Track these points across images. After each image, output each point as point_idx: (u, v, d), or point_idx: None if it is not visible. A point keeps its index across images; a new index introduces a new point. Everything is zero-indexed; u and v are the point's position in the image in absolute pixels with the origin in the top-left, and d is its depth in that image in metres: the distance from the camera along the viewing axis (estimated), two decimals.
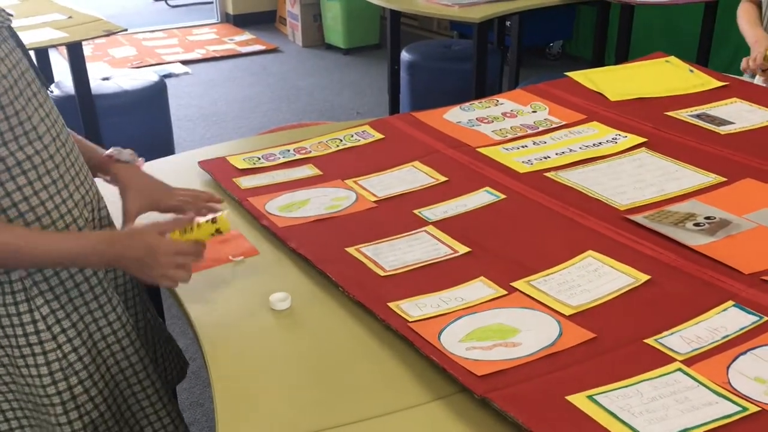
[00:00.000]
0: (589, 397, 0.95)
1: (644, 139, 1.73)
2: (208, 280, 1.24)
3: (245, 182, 1.59)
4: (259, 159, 1.71)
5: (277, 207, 1.48)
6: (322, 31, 6.21)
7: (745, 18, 2.26)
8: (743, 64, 2.14)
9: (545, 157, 1.67)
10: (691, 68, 2.18)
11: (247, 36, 6.56)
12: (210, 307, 1.21)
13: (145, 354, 1.29)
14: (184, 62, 5.84)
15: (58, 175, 1.15)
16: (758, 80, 2.13)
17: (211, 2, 7.21)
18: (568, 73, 2.17)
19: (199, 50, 6.15)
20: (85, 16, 3.34)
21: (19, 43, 1.15)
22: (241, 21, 6.91)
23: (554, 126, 1.85)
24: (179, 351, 1.48)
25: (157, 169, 1.40)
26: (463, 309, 1.15)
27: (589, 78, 2.13)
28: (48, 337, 1.16)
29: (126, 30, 3.29)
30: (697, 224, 1.36)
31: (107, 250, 1.12)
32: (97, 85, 3.50)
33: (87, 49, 3.96)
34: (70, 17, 3.32)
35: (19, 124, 1.08)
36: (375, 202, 1.50)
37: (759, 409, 0.92)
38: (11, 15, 1.14)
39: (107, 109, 3.40)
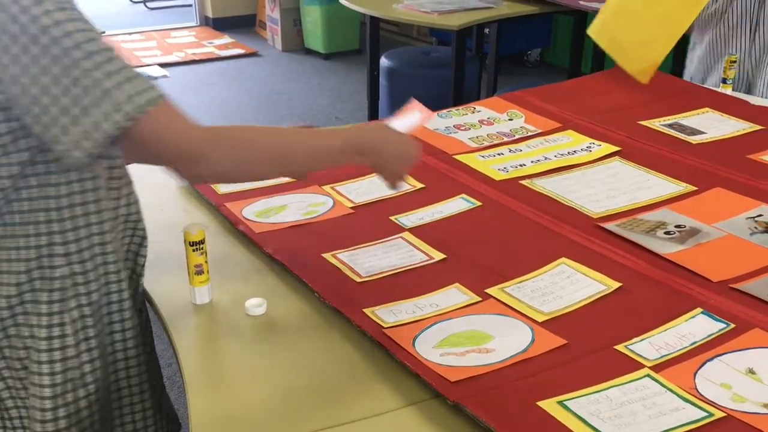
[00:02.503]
0: (560, 402, 0.96)
1: (618, 148, 1.75)
2: (183, 285, 1.24)
3: (222, 187, 1.59)
4: None
5: (253, 212, 1.49)
6: (302, 36, 6.21)
7: None
8: None
9: (521, 165, 1.69)
10: None
11: (226, 40, 6.55)
12: (185, 312, 1.21)
13: (148, 386, 1.24)
14: (163, 65, 5.82)
15: None
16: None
17: (191, 5, 7.19)
18: (589, 32, 2.15)
19: (177, 53, 6.13)
20: None
21: None
22: (220, 24, 6.90)
23: (530, 134, 1.87)
24: (173, 410, 1.39)
25: (134, 173, 1.40)
26: (438, 315, 1.16)
27: (609, 36, 2.11)
28: (71, 342, 1.10)
29: (104, 32, 3.27)
30: (667, 232, 1.38)
31: (364, 146, 1.14)
32: None
33: None
34: None
35: None
36: (352, 208, 1.51)
37: (724, 414, 0.94)
38: None
39: None
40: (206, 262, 1.21)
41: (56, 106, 0.93)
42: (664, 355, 1.05)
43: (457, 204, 1.52)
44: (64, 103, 0.92)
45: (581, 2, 3.60)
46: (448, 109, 2.04)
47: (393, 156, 1.17)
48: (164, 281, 1.28)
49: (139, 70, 0.98)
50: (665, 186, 1.57)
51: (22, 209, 1.04)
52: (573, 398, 0.97)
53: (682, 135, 1.84)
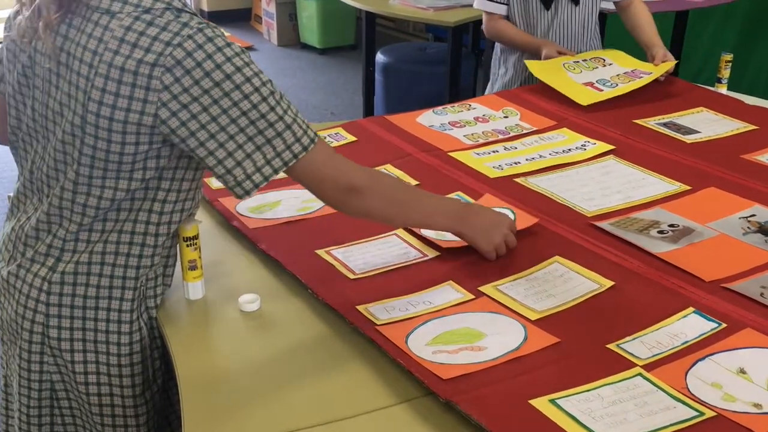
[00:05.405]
0: (552, 401, 0.96)
1: (612, 147, 1.75)
2: (176, 280, 1.24)
3: (216, 182, 1.59)
4: None
5: (247, 208, 1.49)
6: (298, 31, 6.19)
7: (512, 31, 2.30)
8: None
9: (515, 163, 1.69)
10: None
11: None
12: (178, 308, 1.21)
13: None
14: None
15: None
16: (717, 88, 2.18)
17: None
18: (527, 62, 2.19)
19: None
20: None
21: None
22: (215, 18, 6.86)
23: (525, 132, 1.87)
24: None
25: None
26: (431, 313, 1.16)
27: (550, 76, 2.13)
28: (143, 347, 1.18)
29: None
30: (661, 232, 1.39)
31: (463, 214, 1.28)
32: None
33: None
34: None
35: None
36: None
37: (715, 414, 0.95)
38: None
39: None
40: (200, 257, 1.21)
41: (223, 148, 1.04)
42: (656, 354, 1.06)
43: None
44: (230, 147, 1.04)
45: None
46: (443, 106, 2.04)
47: (481, 231, 1.28)
48: None
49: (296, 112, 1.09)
50: (659, 185, 1.58)
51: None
52: (565, 397, 0.97)
53: (677, 134, 1.85)
